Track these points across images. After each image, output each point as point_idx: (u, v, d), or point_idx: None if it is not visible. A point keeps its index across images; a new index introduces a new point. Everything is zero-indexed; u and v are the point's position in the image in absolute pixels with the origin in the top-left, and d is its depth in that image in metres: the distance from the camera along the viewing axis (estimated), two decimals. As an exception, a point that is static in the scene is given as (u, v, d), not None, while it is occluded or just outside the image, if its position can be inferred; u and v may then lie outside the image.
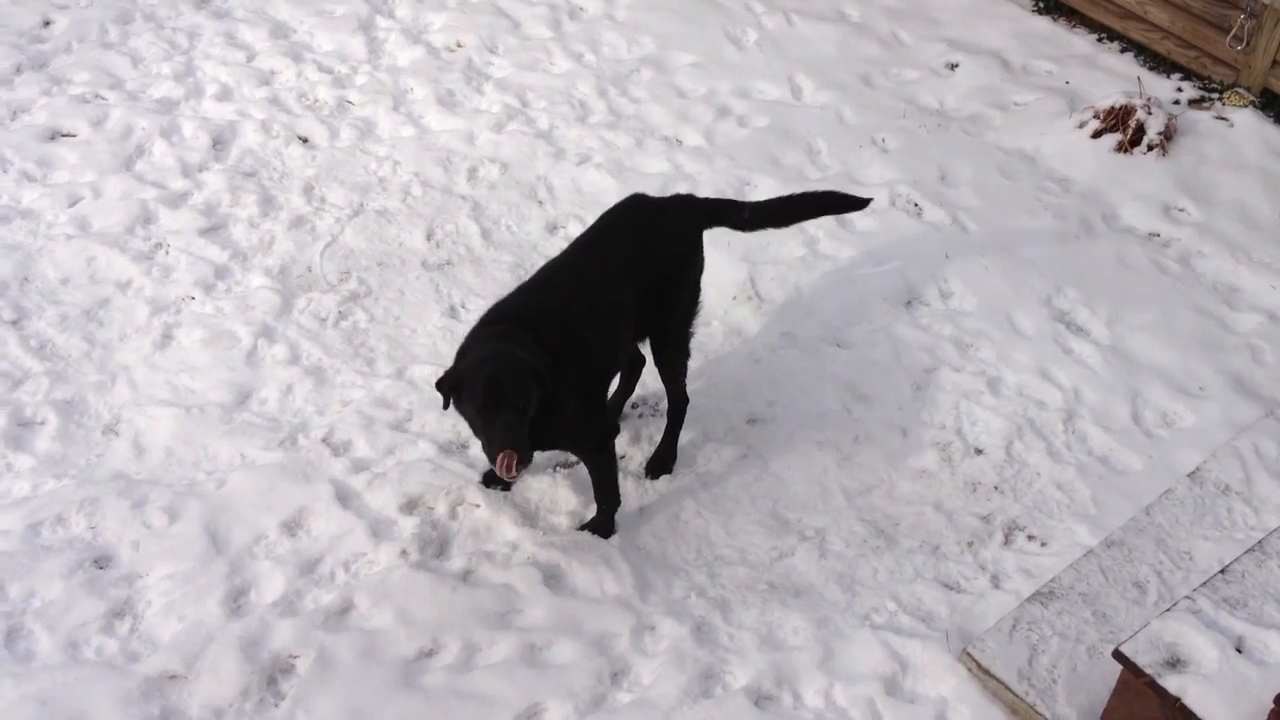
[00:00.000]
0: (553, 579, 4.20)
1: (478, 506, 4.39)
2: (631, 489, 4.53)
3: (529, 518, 4.39)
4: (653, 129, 6.25)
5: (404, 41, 6.69)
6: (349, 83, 6.38)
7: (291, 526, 4.29)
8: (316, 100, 6.26)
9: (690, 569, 4.29)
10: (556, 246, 5.47)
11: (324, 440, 4.58)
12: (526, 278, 4.38)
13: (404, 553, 4.22)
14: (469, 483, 4.44)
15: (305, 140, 5.99)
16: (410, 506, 4.37)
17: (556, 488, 4.49)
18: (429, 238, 5.51)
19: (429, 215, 5.62)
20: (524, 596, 4.12)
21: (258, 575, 4.13)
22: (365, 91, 6.32)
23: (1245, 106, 6.38)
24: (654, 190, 5.78)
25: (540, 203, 5.75)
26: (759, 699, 3.91)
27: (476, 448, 4.60)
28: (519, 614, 4.09)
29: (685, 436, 4.68)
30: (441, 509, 4.37)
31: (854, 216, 5.72)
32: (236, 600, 4.06)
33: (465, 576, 4.18)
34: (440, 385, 3.85)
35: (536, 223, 5.64)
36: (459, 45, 6.73)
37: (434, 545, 4.27)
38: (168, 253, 5.33)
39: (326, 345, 4.97)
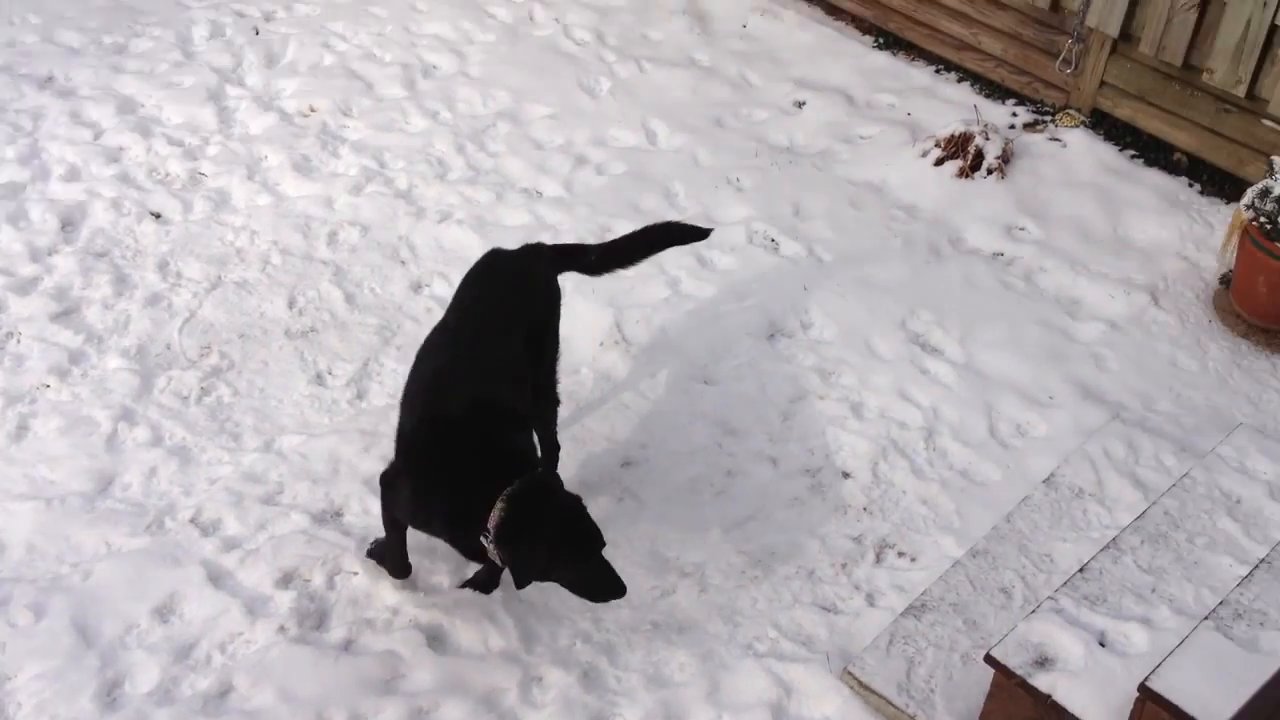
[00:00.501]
0: (436, 640, 4.20)
1: (355, 574, 4.37)
2: (510, 540, 4.55)
3: (408, 582, 4.38)
4: (512, 182, 6.32)
5: (256, 109, 6.67)
6: (201, 154, 6.34)
7: (163, 613, 4.22)
8: (168, 174, 6.20)
9: (573, 616, 4.32)
10: (422, 306, 5.51)
11: (192, 521, 4.52)
12: (419, 348, 4.33)
13: (282, 628, 4.18)
14: (345, 551, 4.43)
15: (158, 216, 5.93)
16: (286, 580, 4.34)
17: (435, 548, 4.50)
18: (291, 305, 5.49)
19: (290, 283, 5.60)
20: (408, 661, 4.11)
21: (131, 666, 4.05)
22: (218, 162, 6.29)
23: (1076, 127, 6.66)
24: (516, 242, 5.84)
25: (403, 263, 5.78)
26: (649, 738, 3.97)
27: (350, 515, 4.59)
28: (404, 679, 4.09)
29: (560, 484, 4.73)
30: (319, 580, 4.35)
31: (714, 255, 5.85)
32: (110, 694, 3.98)
33: (347, 646, 4.16)
34: (524, 558, 3.78)
35: (400, 283, 5.66)
36: (312, 110, 6.74)
37: (313, 617, 4.24)
38: (19, 341, 5.22)
39: (190, 423, 4.91)
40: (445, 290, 5.61)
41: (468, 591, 4.35)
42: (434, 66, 7.18)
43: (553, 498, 3.87)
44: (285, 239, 5.83)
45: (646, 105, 6.94)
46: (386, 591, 4.31)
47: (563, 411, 5.03)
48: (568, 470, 4.79)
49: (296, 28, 7.36)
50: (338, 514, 4.61)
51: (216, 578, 4.32)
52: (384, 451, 4.81)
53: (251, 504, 4.59)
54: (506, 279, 4.46)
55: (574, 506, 3.88)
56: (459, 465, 3.90)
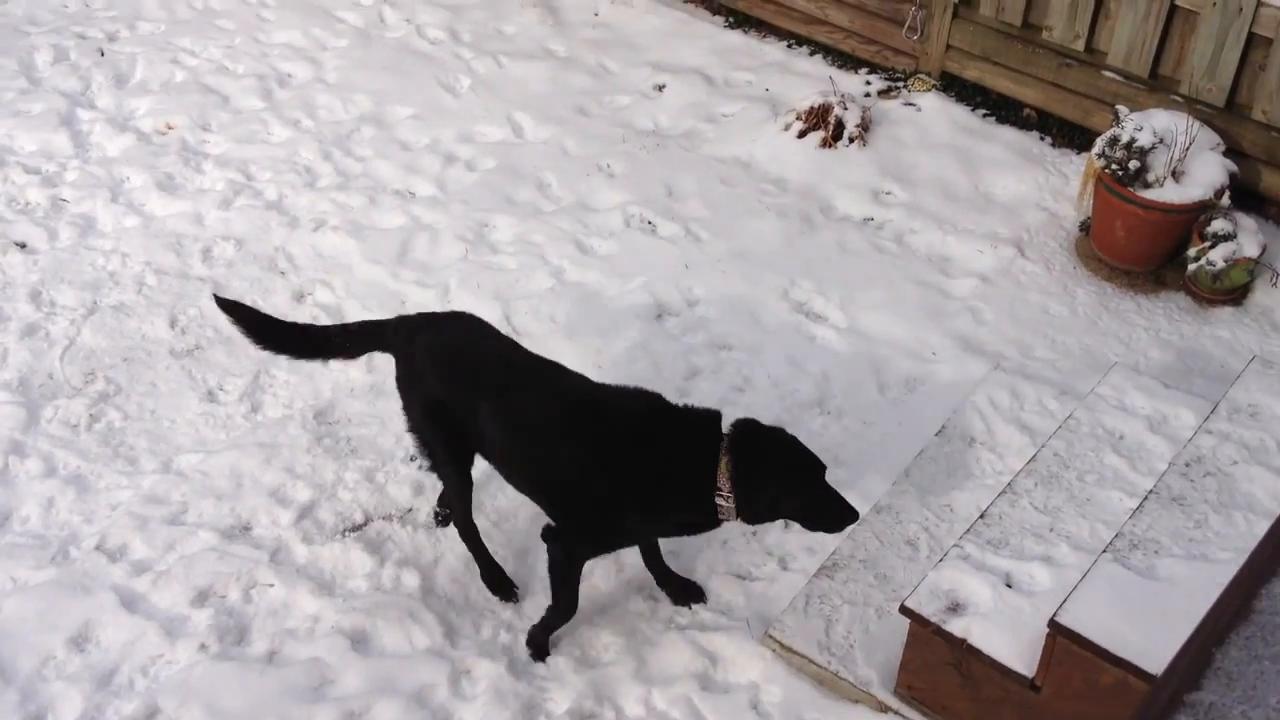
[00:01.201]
0: (360, 643, 4.20)
1: (271, 586, 4.34)
2: (424, 540, 4.55)
3: (326, 587, 4.36)
4: (384, 185, 6.28)
5: (111, 131, 6.51)
6: (60, 180, 6.17)
7: (79, 642, 4.14)
8: (28, 203, 6.02)
9: (495, 607, 4.35)
10: (307, 314, 5.47)
11: (97, 548, 4.44)
12: (497, 422, 4.06)
13: (203, 646, 4.13)
14: (258, 564, 4.39)
15: (23, 245, 5.76)
16: (201, 599, 4.28)
17: (349, 552, 4.48)
18: (173, 325, 5.39)
19: (168, 303, 5.49)
20: (334, 666, 4.10)
21: (53, 698, 3.97)
22: (79, 187, 6.12)
23: (928, 91, 6.88)
24: (395, 244, 5.84)
25: (282, 273, 5.71)
26: (583, 719, 4.01)
27: (259, 528, 4.54)
28: (332, 685, 4.07)
29: (468, 480, 4.76)
30: (234, 595, 4.30)
31: (594, 242, 5.92)
32: (34, 728, 3.90)
33: (270, 658, 4.13)
34: (756, 496, 3.79)
35: (282, 294, 5.59)
36: (170, 127, 6.60)
37: (233, 633, 4.20)
38: (-108, 383, 5.05)
39: (83, 451, 4.80)
40: (328, 297, 5.58)
41: (384, 596, 4.33)
42: (289, 75, 7.09)
43: (765, 434, 3.88)
44: (158, 259, 5.71)
45: (509, 99, 6.96)
46: (306, 600, 4.29)
47: (462, 408, 5.08)
48: (481, 466, 4.80)
49: (142, 46, 7.19)
50: (246, 528, 4.56)
51: (130, 602, 4.24)
52: (285, 463, 4.77)
53: (157, 526, 4.51)
54: (480, 326, 4.31)
55: (787, 438, 3.90)
56: (673, 452, 3.86)
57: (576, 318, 5.48)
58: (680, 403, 4.01)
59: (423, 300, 5.56)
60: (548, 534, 4.05)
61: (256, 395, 5.10)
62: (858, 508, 3.94)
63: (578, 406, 3.97)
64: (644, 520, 3.99)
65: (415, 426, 4.22)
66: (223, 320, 5.33)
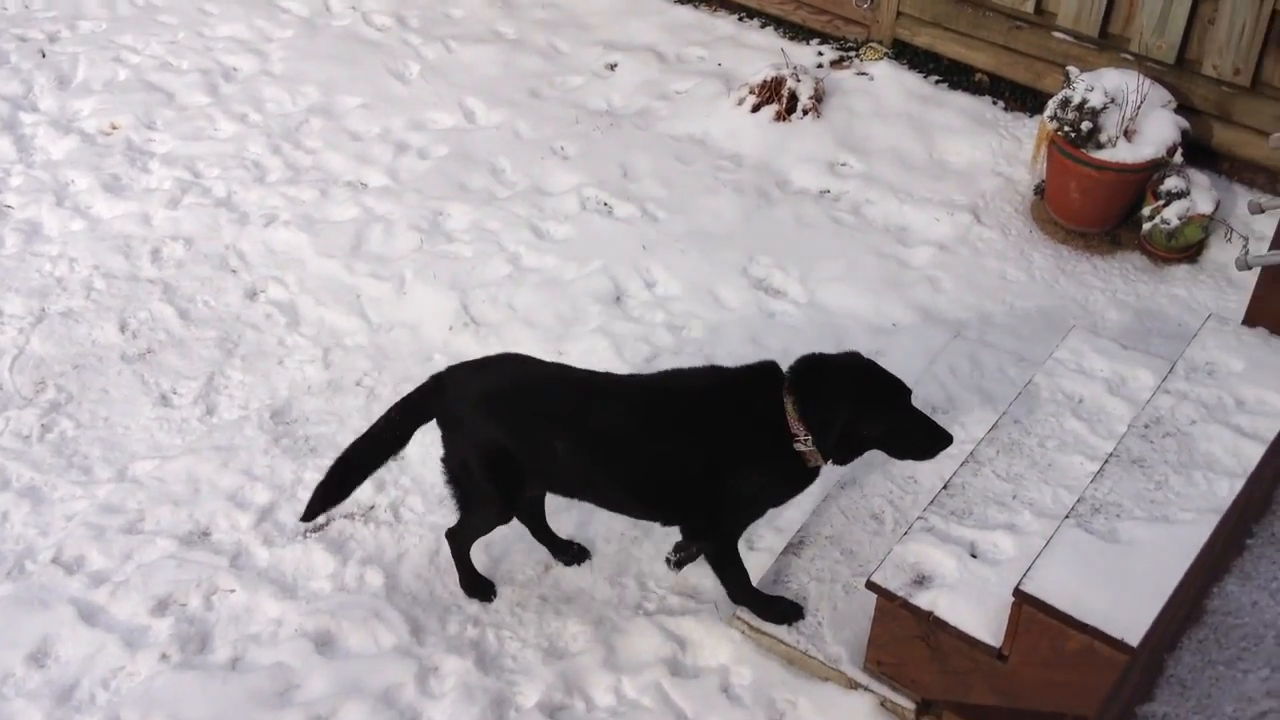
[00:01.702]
0: (325, 646, 4.15)
1: (232, 591, 4.28)
2: (387, 538, 4.51)
3: (288, 590, 4.31)
4: (335, 177, 6.21)
5: (55, 133, 6.40)
6: (3, 186, 6.07)
7: (38, 657, 4.07)
8: (-29, 211, 5.93)
9: (461, 601, 4.31)
10: (260, 313, 5.40)
11: (54, 561, 4.36)
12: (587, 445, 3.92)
13: (164, 656, 4.08)
14: (218, 569, 4.33)
15: (-32, 255, 5.67)
16: (161, 608, 4.23)
17: (311, 553, 4.43)
18: (123, 329, 5.32)
19: (118, 307, 5.41)
20: (299, 670, 4.05)
21: (12, 716, 3.90)
22: (23, 192, 6.02)
23: (880, 59, 6.84)
24: (349, 237, 5.77)
25: (234, 271, 5.64)
26: (552, 712, 3.99)
27: (218, 533, 4.49)
28: (298, 689, 4.02)
29: (430, 475, 4.72)
30: (195, 602, 4.25)
31: (550, 226, 5.86)
32: (-5, 747, 3.85)
33: (234, 665, 4.08)
34: (828, 425, 3.66)
35: (234, 293, 5.52)
36: (114, 127, 6.50)
37: (194, 641, 4.14)
38: None
39: (36, 462, 4.73)
40: (281, 294, 5.51)
41: (347, 596, 4.29)
42: (234, 69, 7.00)
43: (828, 363, 3.76)
44: (106, 262, 5.63)
45: (459, 84, 6.89)
46: (268, 604, 4.24)
47: (421, 401, 5.02)
48: (433, 459, 4.76)
49: (84, 45, 7.08)
50: (205, 534, 4.50)
51: (89, 615, 4.18)
52: (243, 465, 4.72)
53: (114, 535, 4.45)
54: (527, 361, 4.18)
55: (855, 362, 3.76)
56: (737, 414, 3.76)
57: (535, 304, 5.43)
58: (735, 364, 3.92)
59: (379, 293, 5.50)
60: (690, 534, 4.07)
61: (211, 397, 5.03)
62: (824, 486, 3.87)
63: (647, 405, 3.88)
64: (749, 487, 3.87)
65: (464, 475, 4.02)
66: (174, 323, 5.31)
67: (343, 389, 5.08)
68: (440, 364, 5.13)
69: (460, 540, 4.25)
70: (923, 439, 3.78)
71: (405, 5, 7.54)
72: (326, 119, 6.61)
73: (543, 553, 4.45)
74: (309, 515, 4.10)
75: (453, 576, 4.37)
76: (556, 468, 3.92)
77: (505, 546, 4.49)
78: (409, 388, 4.95)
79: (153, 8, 7.47)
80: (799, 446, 3.75)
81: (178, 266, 5.64)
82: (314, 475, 4.70)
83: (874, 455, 3.94)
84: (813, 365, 3.78)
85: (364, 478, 4.10)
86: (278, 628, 4.19)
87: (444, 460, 4.04)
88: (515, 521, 4.55)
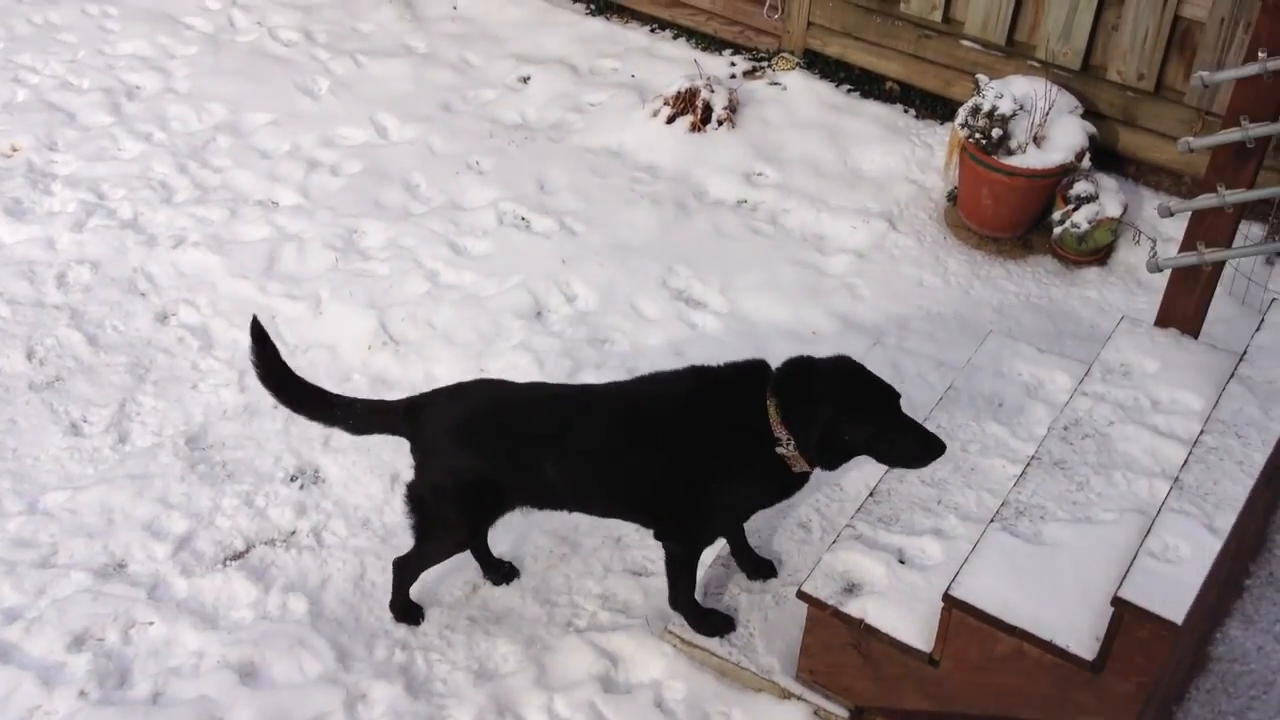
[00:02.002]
0: (249, 676, 4.05)
1: (151, 624, 4.17)
2: (310, 563, 4.42)
3: (209, 620, 4.21)
4: (244, 196, 6.10)
5: (-49, 157, 6.22)
6: (-101, 212, 5.88)
7: (-51, 699, 3.94)
8: None
9: (388, 625, 4.24)
10: (172, 336, 5.29)
11: (-37, 598, 4.23)
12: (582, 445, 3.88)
13: (82, 693, 3.95)
14: (136, 602, 4.22)
15: None
16: (78, 643, 4.10)
17: (231, 582, 4.33)
18: (30, 357, 5.16)
19: (24, 334, 5.26)
20: (223, 703, 3.95)
21: (-76, 761, 3.78)
22: (-80, 219, 5.84)
23: (793, 69, 6.89)
24: (261, 257, 5.67)
25: (143, 294, 5.51)
26: (485, 733, 3.94)
27: (135, 564, 4.37)
28: (222, 721, 3.94)
29: (353, 498, 4.65)
30: (113, 637, 4.13)
31: (467, 241, 5.82)
32: (-93, 796, 3.71)
33: (155, 699, 3.97)
34: (810, 426, 3.59)
35: (144, 316, 5.39)
36: (14, 150, 6.32)
37: (113, 676, 4.02)
38: None
39: (-58, 497, 4.58)
40: (193, 317, 5.40)
41: (269, 624, 4.20)
42: (137, 87, 6.85)
43: (814, 365, 3.68)
44: (10, 288, 5.46)
45: (370, 99, 6.81)
46: (189, 635, 4.13)
47: (341, 422, 4.94)
48: (355, 484, 4.70)
49: (-20, 65, 6.89)
50: (121, 565, 4.38)
51: (2, 653, 4.04)
52: (158, 494, 4.61)
53: (26, 570, 4.31)
54: (501, 386, 4.10)
55: (842, 365, 3.69)
56: (720, 415, 3.70)
57: (455, 321, 5.37)
58: (720, 362, 3.85)
59: (294, 313, 5.41)
60: (660, 534, 4.00)
61: (123, 425, 4.90)
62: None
63: (628, 414, 3.84)
64: (730, 492, 3.83)
65: (432, 502, 3.95)
66: (82, 349, 5.17)
67: (260, 413, 4.98)
68: (359, 384, 5.09)
69: (412, 569, 4.17)
70: (912, 446, 3.66)
71: (312, 20, 7.44)
72: (234, 137, 6.49)
73: (470, 573, 4.39)
74: (258, 332, 3.97)
75: (378, 601, 4.30)
76: (543, 485, 3.88)
77: (430, 570, 4.42)
78: (328, 409, 4.92)
79: (51, 26, 7.29)
80: (781, 450, 3.69)
81: (84, 291, 5.50)
82: (232, 502, 4.62)
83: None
84: (799, 367, 3.71)
85: (292, 397, 4.02)
86: (199, 660, 4.08)
87: (411, 486, 3.98)
88: (441, 542, 4.51)
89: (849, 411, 3.61)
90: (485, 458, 3.84)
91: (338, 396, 4.04)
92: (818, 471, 3.83)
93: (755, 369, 3.78)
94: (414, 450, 3.95)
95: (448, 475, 3.89)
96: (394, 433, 4.01)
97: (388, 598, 4.31)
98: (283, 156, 6.37)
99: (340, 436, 4.86)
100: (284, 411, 4.88)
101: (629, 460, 3.82)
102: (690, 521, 3.92)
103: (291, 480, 4.73)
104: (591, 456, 3.82)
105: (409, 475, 4.35)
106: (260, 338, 3.97)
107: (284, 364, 4.01)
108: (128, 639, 4.14)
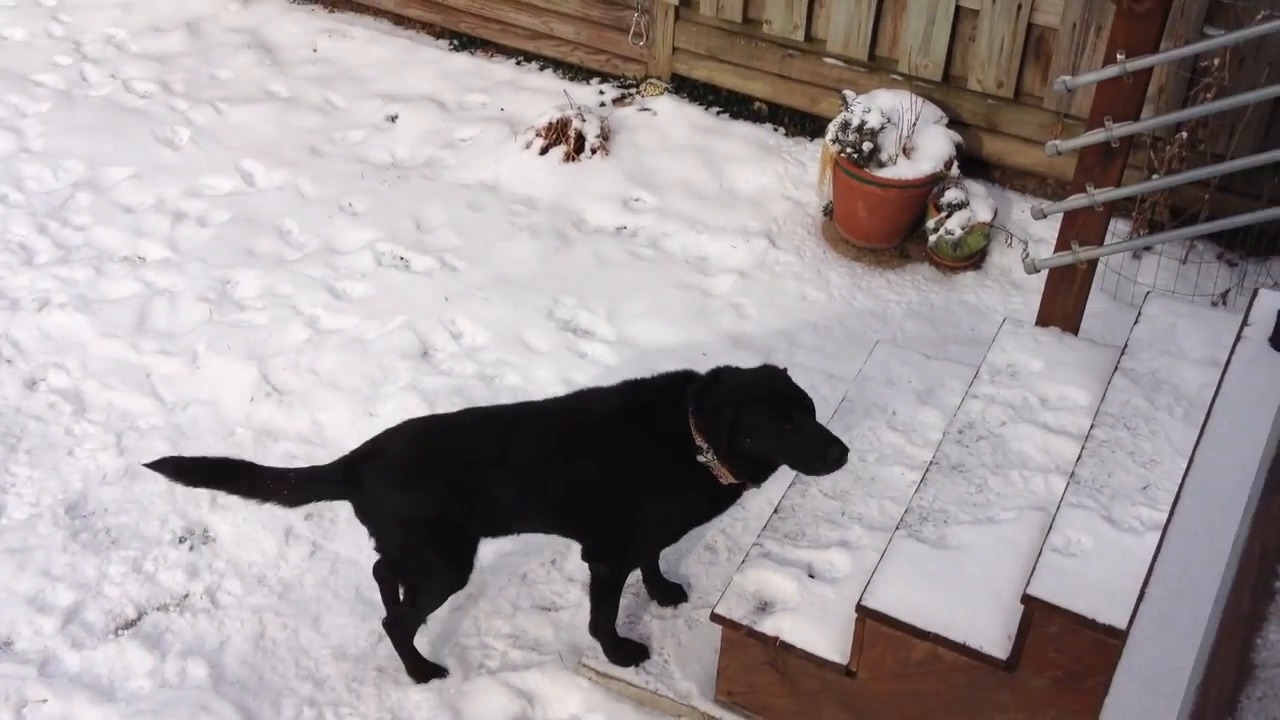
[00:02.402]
0: (151, 748, 3.91)
1: (44, 701, 3.99)
2: (206, 626, 4.28)
3: (105, 693, 4.04)
4: (109, 253, 5.90)
5: None
6: None
7: None
8: None
9: (294, 683, 4.11)
10: (43, 402, 5.09)
11: None
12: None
13: (-25, 781, 3.77)
14: (26, 680, 4.03)
15: None
16: (-34, 729, 3.91)
17: (125, 651, 4.17)
18: (-109, 434, 4.93)
19: (-117, 410, 5.02)
20: (126, 777, 3.80)
21: None
22: None
23: (661, 94, 6.92)
24: (131, 314, 5.49)
25: (9, 361, 5.29)
26: (404, 786, 3.84)
27: (22, 641, 4.18)
28: (126, 797, 3.77)
29: (246, 555, 4.51)
30: (5, 717, 3.93)
31: (345, 285, 5.72)
32: None
33: (54, 780, 3.80)
34: (718, 428, 3.57)
35: (11, 384, 5.18)
36: None
37: (7, 760, 3.85)
38: None
39: None
40: (64, 381, 5.20)
41: (173, 691, 4.05)
42: (-12, 148, 6.61)
43: (731, 372, 3.70)
44: None
45: (234, 147, 6.67)
46: (85, 711, 3.96)
47: (229, 478, 4.80)
48: (247, 537, 4.56)
49: None
50: (7, 644, 4.18)
51: (-115, 750, 3.84)
52: (40, 566, 4.42)
53: (-96, 660, 4.10)
54: (431, 422, 4.10)
55: (762, 370, 3.72)
56: (645, 428, 3.70)
57: (339, 367, 5.26)
58: (652, 373, 3.87)
59: (170, 370, 5.24)
60: (587, 554, 3.93)
61: (-2, 498, 4.70)
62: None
63: (562, 428, 3.83)
64: (660, 505, 3.79)
65: (406, 557, 3.88)
66: (-52, 421, 4.94)
67: (141, 475, 4.80)
68: (244, 438, 4.95)
69: (406, 625, 4.06)
70: (811, 450, 3.57)
71: (168, 70, 7.26)
72: (94, 193, 6.29)
73: (374, 623, 4.29)
74: (156, 464, 3.89)
75: (280, 659, 4.18)
76: (492, 509, 3.82)
77: (333, 621, 4.31)
78: (214, 466, 4.78)
79: (-109, 88, 7.01)
80: (702, 459, 3.66)
81: (-54, 361, 5.27)
82: (119, 569, 4.45)
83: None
84: (717, 375, 3.72)
85: (219, 485, 3.94)
86: (97, 736, 3.92)
87: (381, 551, 3.90)
88: (338, 592, 4.41)
89: (749, 416, 3.58)
90: (435, 493, 3.78)
91: (268, 469, 3.91)
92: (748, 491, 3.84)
93: (681, 380, 3.78)
94: (360, 512, 3.86)
95: (406, 523, 3.81)
96: (333, 498, 3.92)
97: (291, 654, 4.20)
98: (147, 210, 6.19)
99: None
100: (168, 471, 4.76)
101: (563, 474, 3.79)
102: (621, 539, 3.88)
103: (180, 542, 4.57)
104: (528, 471, 3.79)
105: (307, 531, 4.26)
106: (163, 468, 3.88)
107: (203, 462, 3.91)
108: (22, 719, 3.94)
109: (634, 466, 3.73)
